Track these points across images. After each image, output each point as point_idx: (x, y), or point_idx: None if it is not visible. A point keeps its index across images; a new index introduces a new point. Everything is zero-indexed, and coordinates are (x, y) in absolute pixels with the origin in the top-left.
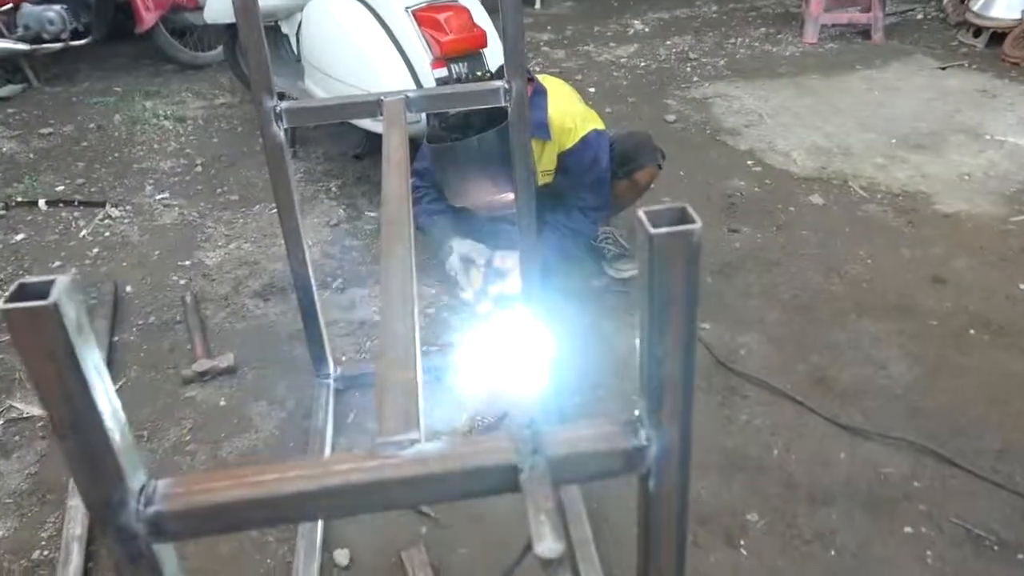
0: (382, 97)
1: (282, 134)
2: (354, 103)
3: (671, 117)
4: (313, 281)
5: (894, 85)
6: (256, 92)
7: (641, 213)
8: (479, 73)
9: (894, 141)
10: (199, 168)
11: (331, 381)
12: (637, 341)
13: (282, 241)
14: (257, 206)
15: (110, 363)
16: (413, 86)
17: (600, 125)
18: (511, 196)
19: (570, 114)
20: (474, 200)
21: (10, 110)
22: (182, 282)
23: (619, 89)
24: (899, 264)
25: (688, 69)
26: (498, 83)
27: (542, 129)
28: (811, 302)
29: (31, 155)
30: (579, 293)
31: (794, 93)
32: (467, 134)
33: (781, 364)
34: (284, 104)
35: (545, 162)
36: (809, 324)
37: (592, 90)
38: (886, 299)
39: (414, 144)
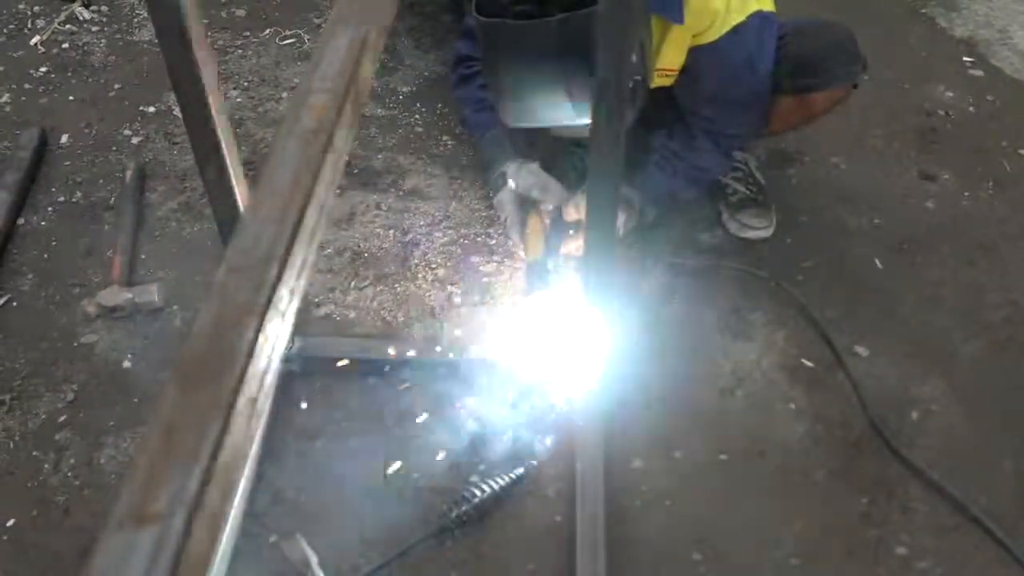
0: None
1: None
2: None
3: None
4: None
5: None
6: None
7: None
8: None
9: None
10: None
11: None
12: None
13: (286, 93)
14: (267, 31)
15: (0, 263)
16: None
17: (768, 5)
18: None
19: None
20: (540, 122)
21: None
22: (135, 140)
23: None
24: None
25: None
26: None
27: (671, 2)
28: None
29: None
30: (675, 255)
31: None
32: (544, 9)
33: (975, 451)
34: None
35: (667, 56)
36: None
37: None
38: None
39: None
